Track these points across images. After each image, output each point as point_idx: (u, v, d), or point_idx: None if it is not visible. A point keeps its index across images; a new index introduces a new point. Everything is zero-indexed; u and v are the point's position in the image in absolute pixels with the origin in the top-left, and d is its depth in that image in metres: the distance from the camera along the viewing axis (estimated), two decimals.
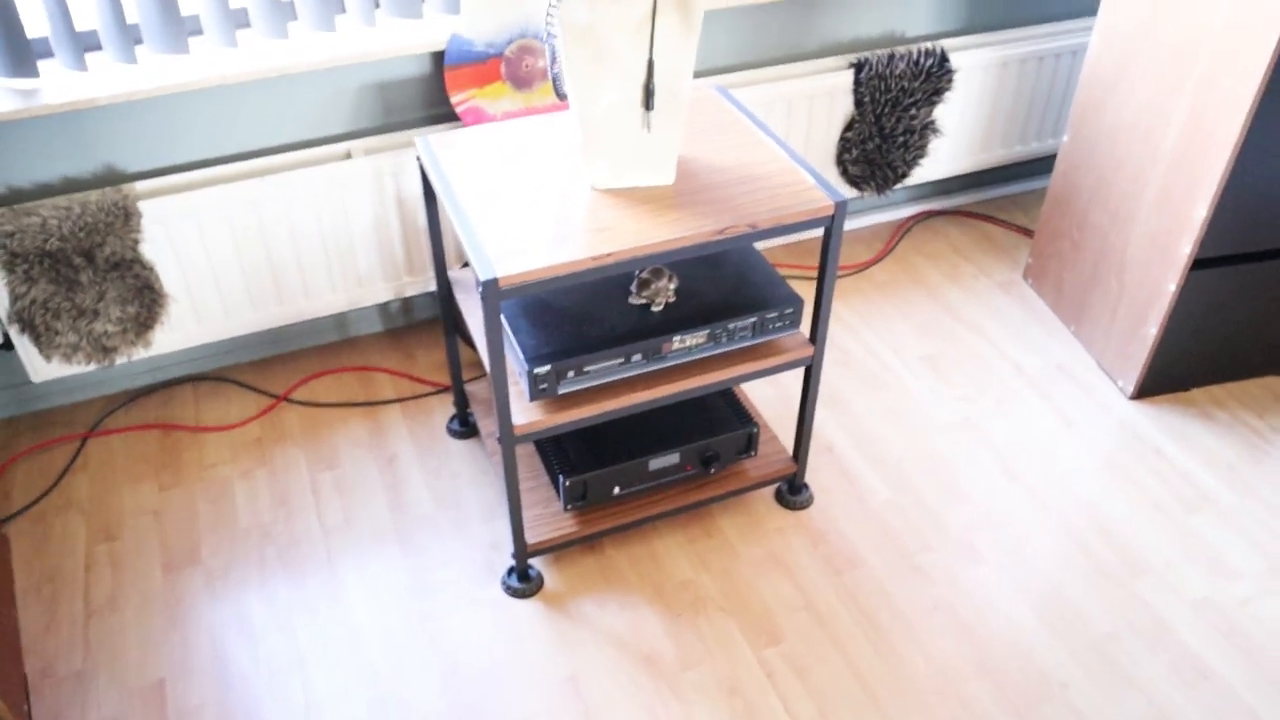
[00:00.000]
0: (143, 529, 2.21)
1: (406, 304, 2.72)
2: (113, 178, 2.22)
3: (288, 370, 2.61)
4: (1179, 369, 2.57)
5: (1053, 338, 2.77)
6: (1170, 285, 2.40)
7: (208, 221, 2.24)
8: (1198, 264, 2.38)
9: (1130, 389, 2.59)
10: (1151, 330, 2.48)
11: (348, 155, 2.35)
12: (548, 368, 1.79)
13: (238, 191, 2.23)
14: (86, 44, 2.17)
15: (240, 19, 2.27)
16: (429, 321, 2.77)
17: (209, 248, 2.27)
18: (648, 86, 1.75)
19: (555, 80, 1.84)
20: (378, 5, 2.35)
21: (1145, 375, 2.56)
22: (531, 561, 2.14)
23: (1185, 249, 2.34)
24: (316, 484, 2.31)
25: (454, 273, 2.17)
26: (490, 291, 1.63)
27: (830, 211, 1.82)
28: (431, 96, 2.41)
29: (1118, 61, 2.48)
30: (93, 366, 2.30)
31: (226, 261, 2.31)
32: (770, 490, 2.31)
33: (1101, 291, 2.65)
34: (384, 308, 2.70)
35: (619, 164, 1.83)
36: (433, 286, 2.56)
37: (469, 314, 2.08)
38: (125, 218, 2.14)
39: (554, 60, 1.84)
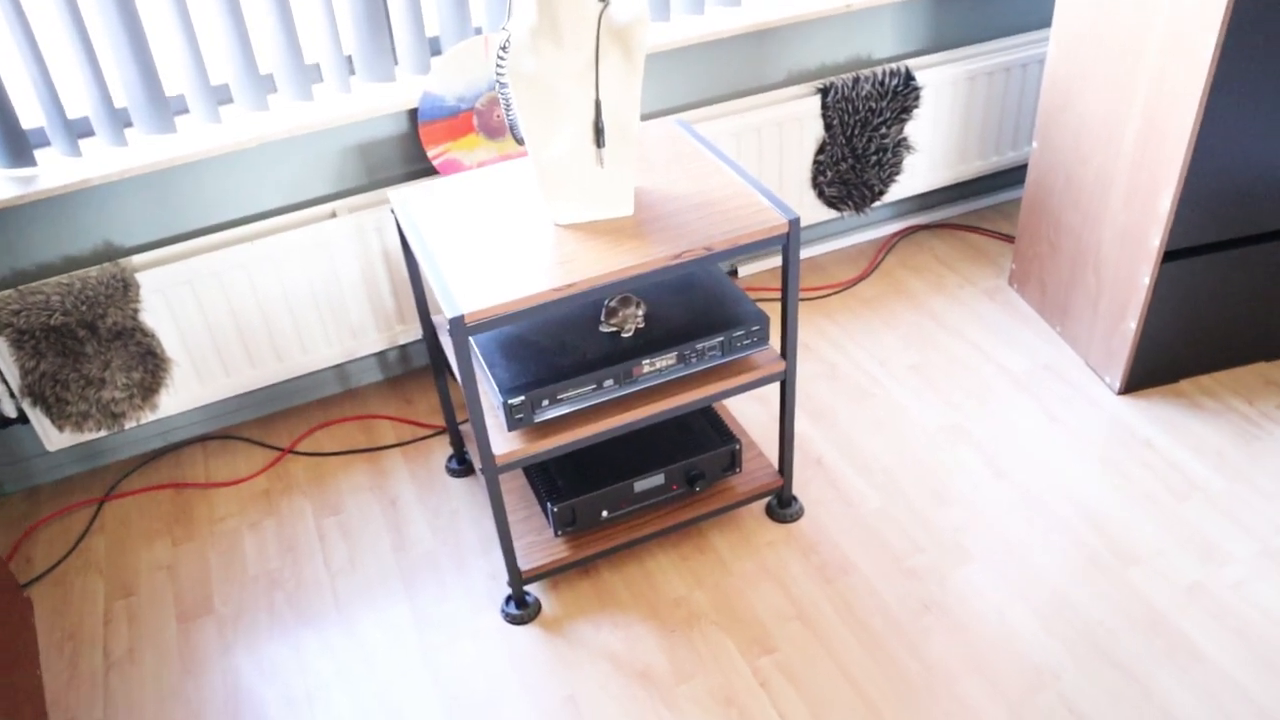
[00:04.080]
0: (158, 584, 2.30)
1: (403, 352, 2.82)
2: (111, 253, 2.34)
3: (292, 424, 2.71)
4: (1165, 362, 2.60)
5: (1039, 339, 2.81)
6: (1144, 278, 2.44)
7: (202, 287, 2.35)
8: (1169, 255, 2.42)
9: (1118, 384, 2.62)
10: (1131, 324, 2.52)
11: (333, 214, 2.47)
12: (522, 398, 1.86)
13: (229, 256, 2.34)
14: (79, 130, 2.31)
15: (223, 95, 2.40)
16: (426, 368, 2.87)
17: (206, 312, 2.39)
18: (597, 125, 1.84)
19: (511, 126, 1.93)
20: (352, 72, 2.47)
21: (1130, 370, 2.59)
22: (528, 588, 2.20)
23: (1155, 241, 2.39)
24: (322, 530, 2.39)
25: (438, 318, 2.26)
26: (458, 327, 1.71)
27: (784, 229, 1.89)
28: (409, 153, 2.52)
29: (1074, 68, 2.54)
30: (104, 433, 2.41)
31: (223, 323, 2.42)
32: (761, 505, 2.36)
33: (1081, 290, 2.69)
34: (382, 357, 2.80)
35: (577, 200, 1.91)
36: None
37: (451, 353, 2.17)
38: (124, 289, 2.26)
39: (508, 107, 1.93)
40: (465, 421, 2.50)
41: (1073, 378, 2.68)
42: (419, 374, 2.85)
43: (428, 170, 2.55)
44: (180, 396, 2.46)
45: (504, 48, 1.77)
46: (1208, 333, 2.58)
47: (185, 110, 2.38)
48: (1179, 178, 2.28)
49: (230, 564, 2.33)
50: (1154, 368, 2.60)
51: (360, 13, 2.33)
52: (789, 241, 1.91)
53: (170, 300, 2.34)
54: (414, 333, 2.64)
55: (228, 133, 2.28)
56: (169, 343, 2.39)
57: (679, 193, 2.00)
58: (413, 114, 2.48)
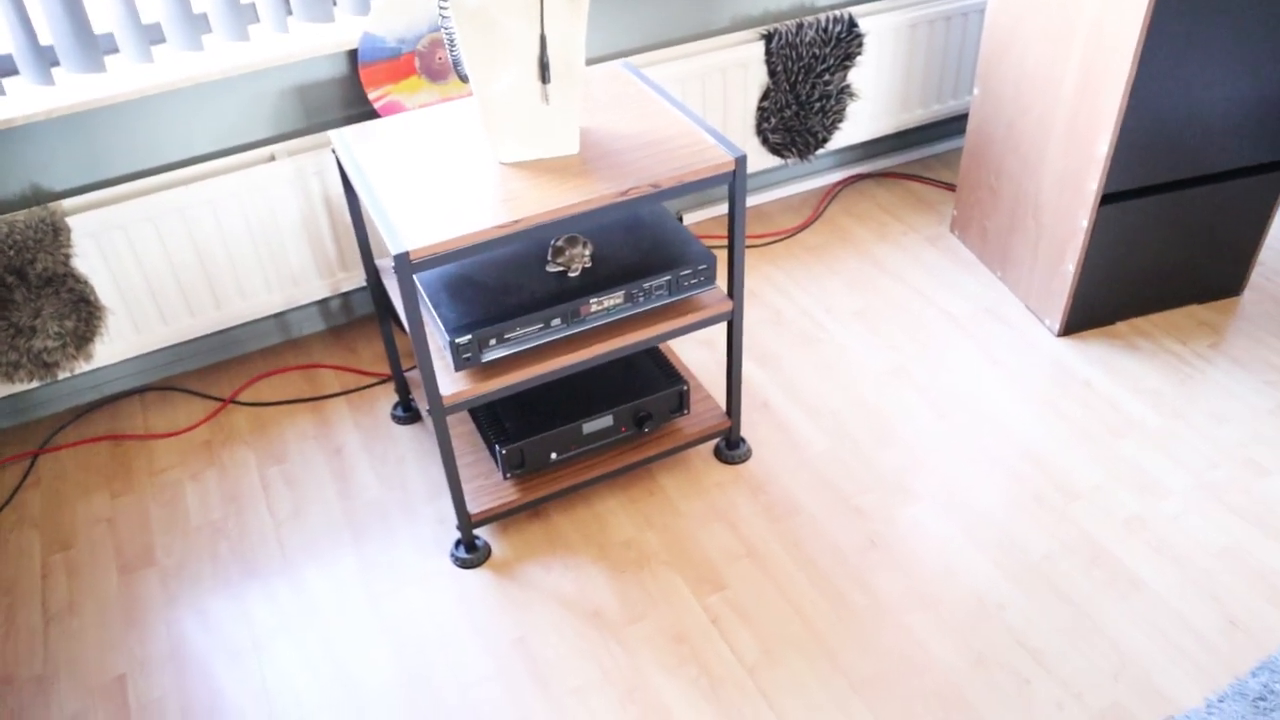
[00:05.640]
0: (97, 537, 2.25)
1: (346, 301, 2.78)
2: (39, 196, 2.27)
3: (234, 374, 2.66)
4: (1102, 304, 2.65)
5: (981, 284, 2.85)
6: (1083, 221, 2.48)
7: (137, 233, 2.29)
8: (1106, 199, 2.46)
9: (1057, 327, 2.67)
10: (1070, 267, 2.56)
11: (271, 158, 2.41)
12: (469, 337, 1.84)
13: (165, 201, 2.28)
14: (3, 69, 2.22)
15: (155, 34, 2.33)
16: (369, 316, 2.83)
17: (141, 258, 2.32)
18: (542, 61, 1.81)
19: (455, 63, 1.90)
20: (290, 12, 2.41)
21: (1070, 312, 2.63)
22: (478, 532, 2.19)
23: (1092, 185, 2.42)
24: (266, 479, 2.36)
25: (382, 262, 2.23)
26: (403, 265, 1.69)
27: (731, 167, 1.88)
28: (350, 95, 2.46)
29: (1014, 15, 2.56)
30: (36, 384, 2.34)
31: (159, 270, 2.36)
32: (709, 448, 2.37)
33: (1021, 235, 2.73)
34: (324, 306, 2.75)
35: (523, 138, 1.89)
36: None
37: (396, 298, 2.14)
38: (54, 234, 2.19)
39: (452, 44, 1.90)
40: (411, 368, 2.47)
41: (1013, 320, 2.72)
42: (362, 322, 2.81)
43: (369, 113, 2.50)
44: (116, 346, 2.40)
45: None
46: (1143, 276, 2.64)
47: (115, 50, 2.30)
48: (1115, 123, 2.31)
49: (172, 516, 2.29)
50: (1091, 310, 2.66)
51: None
52: (735, 179, 1.91)
53: (103, 246, 2.27)
54: (357, 280, 2.60)
55: (160, 73, 2.21)
56: (103, 290, 2.32)
57: (625, 132, 1.98)
58: (352, 55, 2.42)
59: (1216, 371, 2.54)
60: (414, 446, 2.41)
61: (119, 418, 2.55)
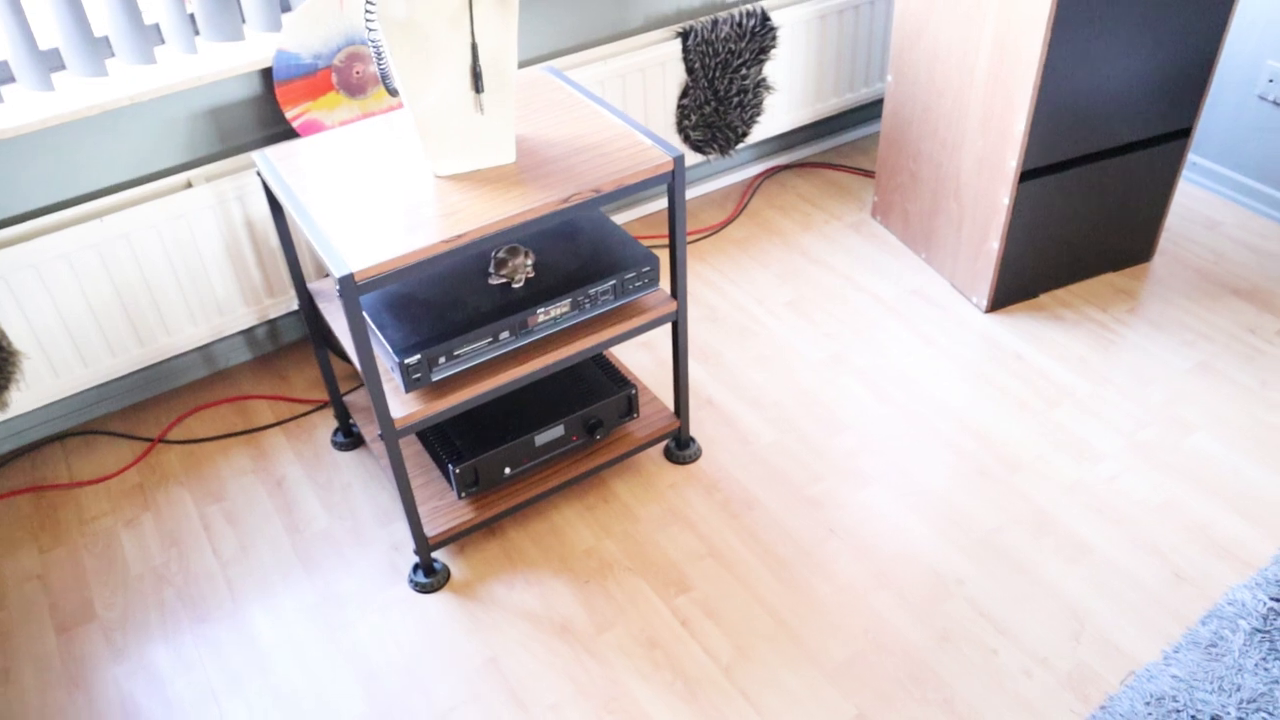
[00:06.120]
0: (28, 595, 2.14)
1: (273, 328, 2.69)
2: None
3: (160, 412, 2.55)
4: (1025, 278, 2.72)
5: (906, 267, 2.90)
6: (1004, 199, 2.54)
7: (50, 271, 2.18)
8: (1024, 176, 2.52)
9: (984, 303, 2.73)
10: (994, 245, 2.62)
11: (188, 185, 2.32)
12: (418, 356, 1.80)
13: (77, 236, 2.18)
14: None
15: (54, 61, 2.22)
16: (298, 342, 2.75)
17: (56, 298, 2.22)
18: (475, 70, 1.78)
19: (384, 77, 1.86)
20: (197, 32, 2.32)
21: (996, 288, 2.70)
22: (436, 555, 2.15)
23: (1011, 163, 2.48)
24: (207, 519, 2.27)
25: (314, 285, 2.17)
26: (348, 287, 1.64)
27: (669, 167, 1.88)
28: (266, 115, 2.39)
29: (924, 3, 2.61)
30: None
31: (77, 310, 2.25)
32: (659, 450, 2.37)
33: (944, 217, 2.78)
34: (250, 335, 2.66)
35: (458, 149, 1.85)
36: (295, 306, 2.54)
37: (335, 322, 2.08)
38: None
39: (380, 58, 1.85)
40: (350, 391, 2.41)
41: (941, 300, 2.78)
42: (292, 349, 2.72)
43: (287, 132, 2.43)
44: (33, 392, 2.29)
45: None
46: (1061, 248, 2.72)
47: (11, 79, 2.19)
48: (1030, 102, 2.37)
49: (109, 565, 2.19)
50: (1016, 285, 2.73)
51: None
52: (674, 178, 1.91)
53: (14, 287, 2.16)
54: (284, 306, 2.52)
55: (63, 102, 2.11)
56: (16, 334, 2.21)
57: (559, 138, 1.96)
58: (267, 74, 2.35)
59: (1136, 335, 2.63)
60: (359, 472, 2.35)
61: (40, 467, 2.43)
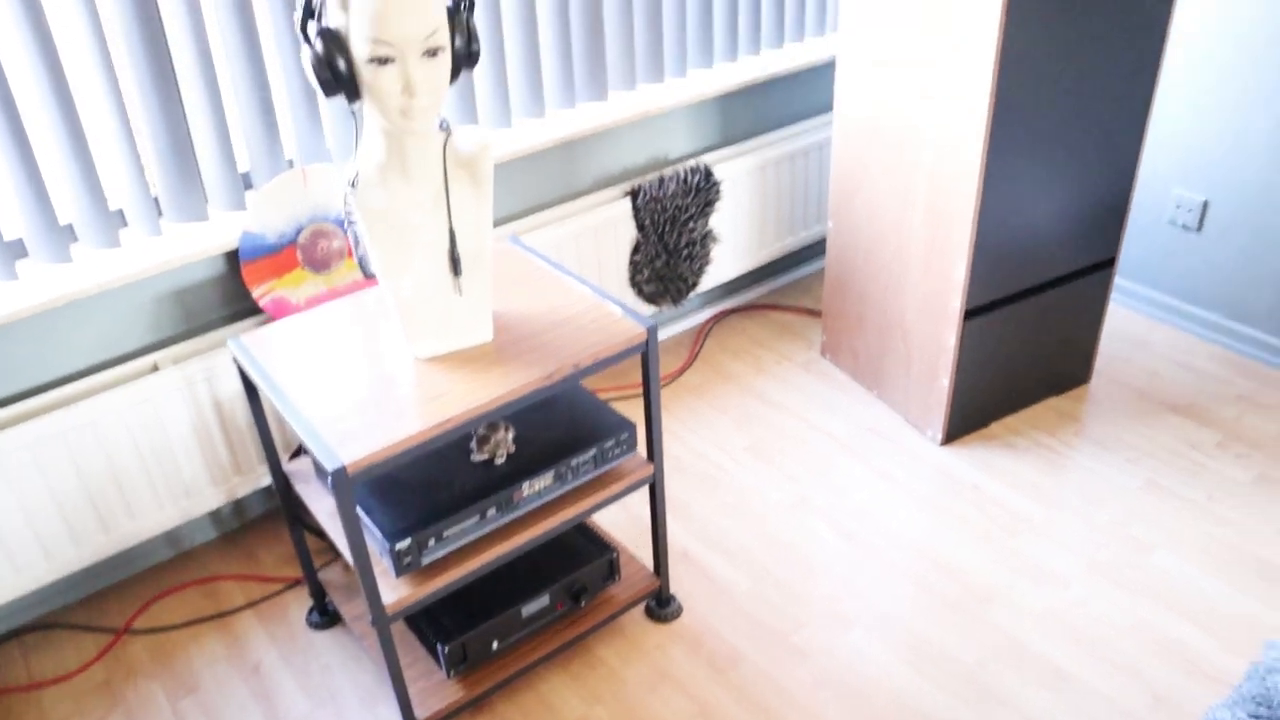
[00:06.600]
0: None
1: (239, 505, 2.65)
2: None
3: (124, 600, 2.48)
4: (976, 409, 2.82)
5: (859, 404, 2.99)
6: (950, 339, 2.65)
7: (12, 464, 2.14)
8: (968, 315, 2.64)
9: (939, 436, 2.82)
10: (944, 381, 2.73)
11: (155, 368, 2.31)
12: (408, 541, 1.80)
13: (41, 427, 2.15)
14: None
15: (17, 250, 2.22)
16: (265, 517, 2.71)
17: (19, 491, 2.17)
18: (453, 254, 1.83)
19: (361, 262, 1.90)
20: (161, 213, 2.35)
21: (949, 422, 2.79)
22: None
23: (955, 304, 2.60)
24: (181, 713, 2.19)
25: (289, 466, 2.16)
26: (340, 480, 1.64)
27: (644, 338, 1.94)
28: (232, 294, 2.41)
29: (858, 154, 2.76)
30: None
31: (41, 502, 2.20)
32: (640, 610, 2.37)
33: (893, 356, 2.89)
34: (215, 513, 2.62)
35: (438, 331, 1.89)
36: (264, 482, 2.52)
37: (313, 503, 2.07)
38: None
39: (357, 244, 1.90)
40: (323, 567, 2.37)
41: (896, 435, 2.86)
42: (258, 525, 2.68)
43: (252, 310, 2.44)
44: None
45: (352, 184, 1.75)
46: (1007, 378, 2.84)
47: None
48: (969, 247, 2.51)
49: None
50: (968, 416, 2.83)
51: (165, 150, 2.23)
52: (648, 349, 1.96)
53: None
54: (253, 483, 2.49)
55: (27, 293, 2.10)
56: None
57: (532, 313, 2.01)
58: (232, 254, 2.37)
59: (1084, 457, 2.74)
60: (338, 653, 2.30)
61: None
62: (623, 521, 2.63)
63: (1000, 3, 2.20)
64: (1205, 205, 3.09)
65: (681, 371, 3.17)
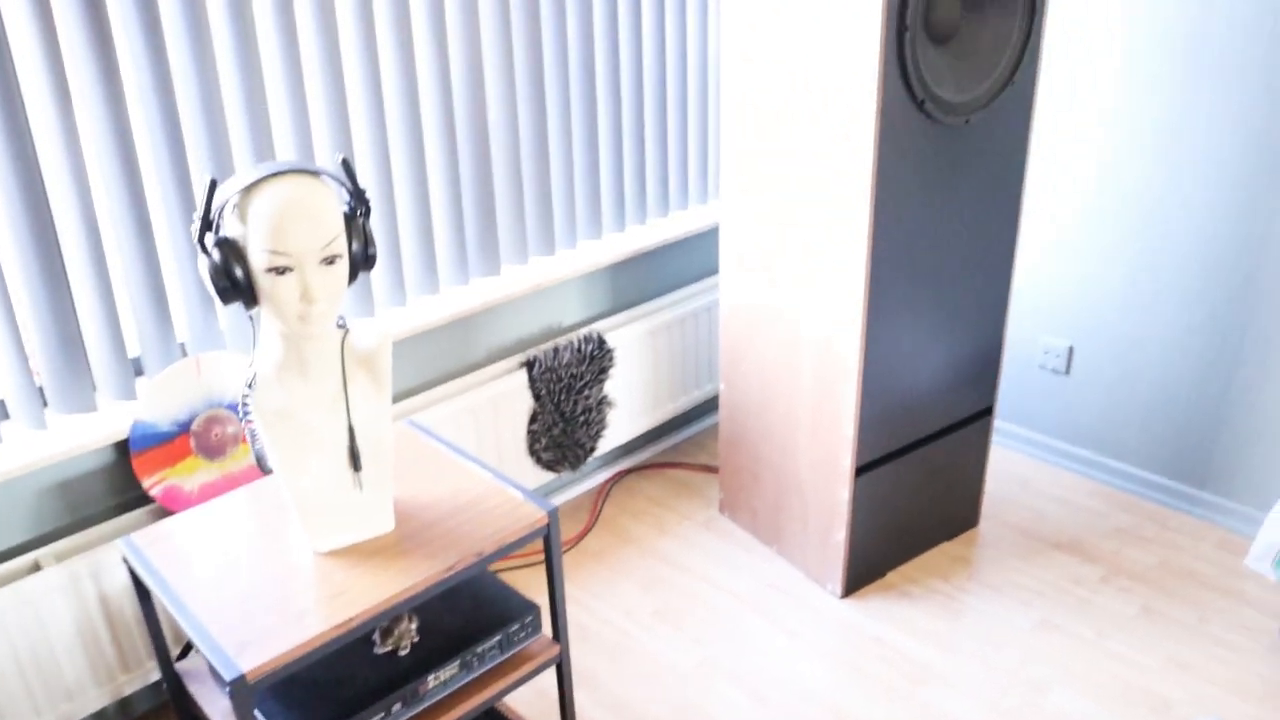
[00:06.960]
0: None
1: (124, 702, 2.53)
2: None
3: None
4: (872, 561, 2.90)
5: (761, 561, 3.04)
6: (844, 494, 2.74)
7: None
8: (859, 471, 2.74)
9: (838, 590, 2.88)
10: (840, 535, 2.80)
11: (36, 567, 2.23)
12: None
13: None
14: None
15: None
16: (153, 712, 2.58)
17: None
18: (353, 450, 1.84)
19: (258, 458, 1.89)
20: (45, 404, 2.30)
21: (847, 574, 2.86)
22: None
23: (846, 462, 2.70)
24: None
25: (181, 666, 2.08)
26: (239, 689, 1.60)
27: (545, 522, 1.96)
28: (121, 484, 2.35)
29: (745, 322, 2.88)
30: None
31: None
32: None
33: (789, 512, 2.96)
34: (100, 714, 2.49)
35: (338, 525, 1.88)
36: (153, 677, 2.41)
37: (208, 704, 1.99)
38: None
39: (254, 439, 1.90)
40: None
41: (797, 591, 2.91)
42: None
43: (142, 499, 2.39)
44: None
45: (250, 384, 1.76)
46: (900, 528, 2.93)
47: None
48: (855, 408, 2.62)
49: None
50: (865, 569, 2.90)
51: (51, 338, 2.20)
52: (550, 532, 1.99)
53: None
54: (139, 680, 2.39)
55: None
56: None
57: (432, 499, 2.02)
58: (122, 444, 2.33)
59: (978, 601, 2.82)
60: None
61: None
62: (530, 696, 2.59)
63: (869, 183, 2.37)
64: (1071, 350, 3.30)
65: (582, 536, 3.19)
